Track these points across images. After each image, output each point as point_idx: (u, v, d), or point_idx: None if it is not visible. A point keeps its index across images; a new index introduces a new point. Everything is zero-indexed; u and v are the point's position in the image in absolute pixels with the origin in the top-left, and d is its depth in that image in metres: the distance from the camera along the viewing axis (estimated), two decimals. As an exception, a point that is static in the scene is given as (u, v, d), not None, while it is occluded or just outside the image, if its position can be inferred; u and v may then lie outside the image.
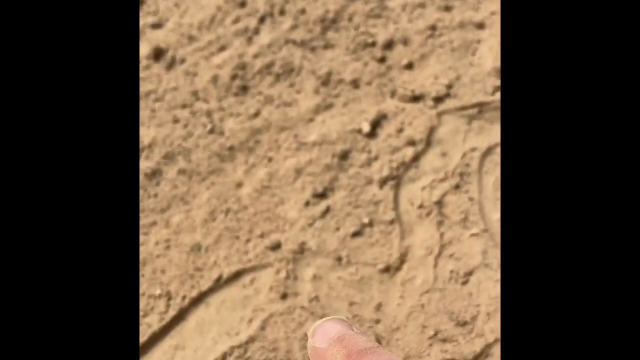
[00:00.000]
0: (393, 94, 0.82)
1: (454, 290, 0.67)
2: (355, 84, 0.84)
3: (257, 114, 0.82)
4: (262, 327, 0.66)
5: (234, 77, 0.84)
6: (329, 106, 0.82)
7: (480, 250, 0.68)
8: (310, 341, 0.31)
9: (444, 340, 0.64)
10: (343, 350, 0.28)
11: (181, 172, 0.78)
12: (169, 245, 0.72)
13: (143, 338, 0.66)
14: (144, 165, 0.78)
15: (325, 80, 0.84)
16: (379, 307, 0.67)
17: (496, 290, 0.66)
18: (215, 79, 0.84)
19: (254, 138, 0.80)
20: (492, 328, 0.63)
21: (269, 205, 0.75)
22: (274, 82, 0.84)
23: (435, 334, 0.64)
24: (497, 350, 0.62)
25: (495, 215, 0.71)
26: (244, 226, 0.73)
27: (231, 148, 0.79)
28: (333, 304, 0.67)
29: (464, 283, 0.67)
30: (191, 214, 0.75)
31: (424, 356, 0.63)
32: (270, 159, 0.78)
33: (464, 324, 0.64)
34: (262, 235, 0.72)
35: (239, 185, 0.76)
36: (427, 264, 0.69)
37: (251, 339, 0.65)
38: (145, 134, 0.81)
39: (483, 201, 0.72)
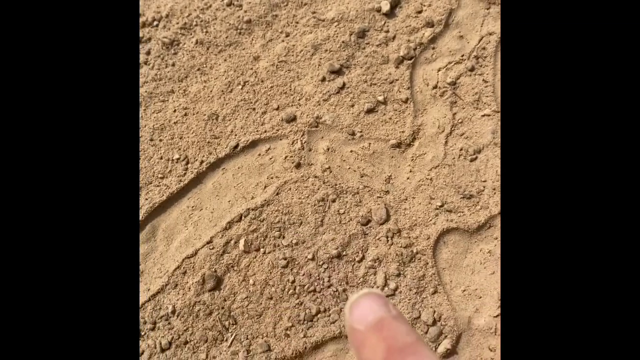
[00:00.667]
0: (414, -25, 0.81)
1: (463, 166, 0.69)
2: (375, -37, 0.82)
3: (275, -12, 0.81)
4: (277, 193, 0.69)
5: (252, -51, 0.82)
6: (348, -16, 0.81)
7: (490, 130, 0.70)
8: (348, 318, 0.31)
9: (450, 211, 0.67)
10: (383, 344, 0.29)
11: (199, 43, 0.78)
12: (186, 113, 0.74)
13: (161, 198, 0.70)
14: (162, 34, 0.78)
15: (346, -43, 0.82)
16: (388, 179, 0.69)
17: (503, 167, 0.68)
18: (233, -49, 0.82)
19: (272, 12, 0.79)
20: (496, 202, 0.67)
21: (286, 79, 0.75)
22: (293, -44, 0.83)
23: (442, 205, 0.67)
24: (499, 221, 0.66)
25: (507, 97, 0.73)
26: (261, 99, 0.74)
27: (249, 21, 0.79)
28: (345, 175, 0.70)
29: (473, 160, 0.69)
30: (209, 84, 0.75)
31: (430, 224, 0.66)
32: (287, 34, 0.78)
33: (470, 197, 0.67)
34: (278, 108, 0.74)
35: (256, 58, 0.77)
36: (438, 141, 0.71)
37: (266, 203, 0.68)
38: (163, 4, 0.80)
39: (496, 84, 0.73)
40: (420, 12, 0.78)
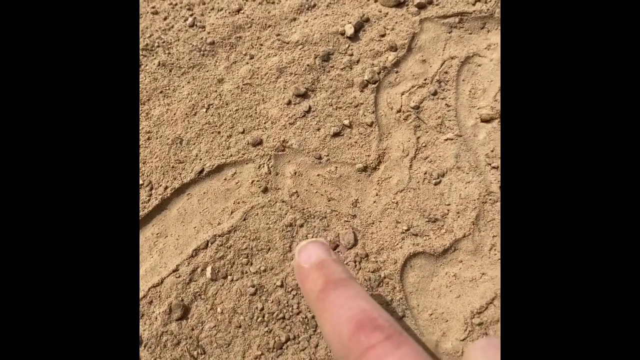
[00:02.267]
0: (376, -2, 0.82)
1: (427, 190, 0.71)
2: (339, -15, 0.83)
3: (239, 10, 0.80)
4: (244, 218, 0.68)
5: (215, -31, 0.82)
6: (312, 7, 0.81)
7: (453, 154, 0.72)
8: (297, 259, 0.42)
9: (416, 235, 0.68)
10: (322, 278, 0.38)
11: (161, 65, 0.76)
12: (149, 137, 0.73)
13: (125, 225, 0.68)
14: (122, 55, 0.76)
15: (310, -20, 0.82)
16: (355, 203, 0.70)
17: (466, 191, 0.70)
18: (195, -29, 0.81)
19: (235, 34, 0.79)
20: (460, 225, 0.68)
21: (251, 102, 0.75)
22: (257, -23, 0.82)
23: (408, 229, 0.68)
24: (464, 245, 0.67)
25: (469, 121, 0.74)
26: (226, 122, 0.74)
27: (212, 43, 0.78)
28: (312, 199, 0.70)
29: (437, 184, 0.71)
30: (172, 107, 0.74)
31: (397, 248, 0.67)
32: (252, 57, 0.78)
33: (434, 220, 0.69)
34: (243, 132, 0.73)
35: (220, 81, 0.76)
36: (402, 165, 0.72)
37: (233, 229, 0.68)
38: (123, 24, 0.78)
39: (459, 108, 0.75)
40: (383, 35, 0.79)
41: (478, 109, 0.75)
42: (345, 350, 0.31)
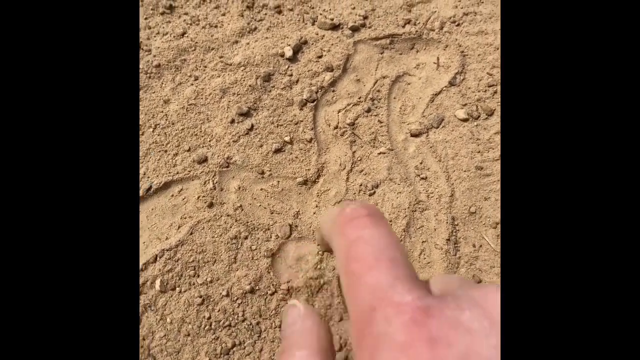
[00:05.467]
0: (314, 21, 0.88)
1: (363, 200, 0.76)
2: (278, 9, 0.88)
3: (183, 34, 0.84)
4: (191, 232, 0.72)
5: (159, -5, 0.86)
6: (253, 30, 0.86)
7: (386, 166, 0.78)
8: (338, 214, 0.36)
9: (352, 243, 0.73)
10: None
11: (108, 87, 0.80)
12: (98, 157, 0.76)
13: (76, 243, 0.71)
14: (70, 79, 0.79)
15: (250, 4, 0.87)
16: (297, 215, 0.75)
17: (398, 200, 0.76)
18: (140, -4, 0.85)
19: (180, 57, 0.83)
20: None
21: (196, 121, 0.79)
22: (200, 3, 0.87)
23: (345, 237, 0.74)
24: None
25: (400, 136, 0.81)
26: (172, 141, 0.78)
27: (158, 66, 0.82)
28: (256, 213, 0.74)
29: (371, 194, 0.76)
30: (120, 128, 0.78)
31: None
32: (196, 78, 0.82)
33: (369, 229, 0.74)
34: (189, 150, 0.77)
35: (167, 101, 0.80)
36: (340, 178, 0.77)
37: (180, 243, 0.72)
38: (69, 48, 0.81)
39: (390, 124, 0.81)
40: (320, 57, 0.85)
41: (408, 124, 0.81)
42: (331, 224, 0.34)
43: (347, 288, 0.30)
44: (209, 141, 0.78)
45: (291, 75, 0.83)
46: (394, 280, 0.28)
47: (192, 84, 0.81)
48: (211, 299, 0.69)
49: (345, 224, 0.32)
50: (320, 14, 0.88)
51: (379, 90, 0.84)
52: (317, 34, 0.87)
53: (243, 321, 0.68)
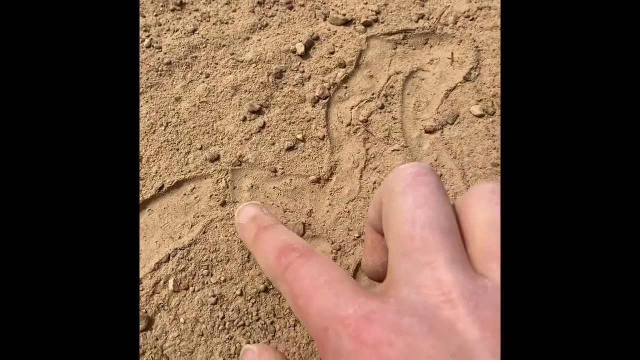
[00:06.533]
0: (325, 16, 0.87)
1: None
2: (289, 5, 0.87)
3: (194, 31, 0.84)
4: (204, 231, 0.72)
5: (169, -9, 0.85)
6: (264, 26, 0.85)
7: (400, 163, 0.77)
8: (237, 219, 0.55)
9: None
10: (256, 226, 0.49)
11: (119, 85, 0.79)
12: (110, 156, 0.75)
13: (89, 242, 0.70)
14: (81, 77, 0.79)
15: (261, 0, 0.86)
16: (310, 213, 0.74)
17: (412, 198, 0.75)
18: (150, -7, 0.84)
19: (191, 54, 0.82)
20: (407, 230, 0.73)
21: (208, 119, 0.78)
22: (210, -1, 0.86)
23: (359, 236, 0.73)
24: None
25: (414, 133, 0.80)
26: (184, 139, 0.77)
27: (169, 63, 0.81)
28: (269, 211, 0.74)
29: (385, 192, 0.75)
30: (131, 127, 0.77)
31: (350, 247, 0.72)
32: (208, 75, 0.81)
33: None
34: (201, 148, 0.77)
35: (178, 99, 0.79)
36: (353, 176, 0.77)
37: (193, 242, 0.71)
38: (80, 46, 0.80)
39: (404, 120, 0.80)
40: (332, 53, 0.84)
41: (422, 121, 0.80)
42: (272, 273, 0.40)
43: (303, 323, 0.35)
44: (221, 139, 0.77)
45: (303, 71, 0.82)
46: (335, 299, 0.32)
47: (203, 82, 0.81)
48: (225, 299, 0.69)
49: (283, 272, 0.38)
50: (332, 9, 0.87)
51: (392, 87, 0.83)
52: (329, 30, 0.86)
53: (257, 320, 0.68)
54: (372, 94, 0.82)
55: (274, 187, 0.75)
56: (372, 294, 0.34)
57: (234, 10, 0.86)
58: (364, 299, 0.32)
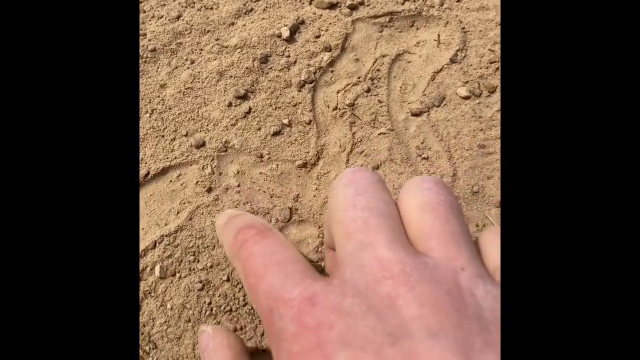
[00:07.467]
0: (311, 0, 0.86)
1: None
2: (274, -11, 0.86)
3: (179, 17, 0.83)
4: (190, 218, 0.72)
5: (153, -23, 0.84)
6: (249, 11, 0.85)
7: (386, 147, 0.77)
8: (216, 223, 0.52)
9: (354, 225, 0.72)
10: (227, 217, 0.48)
11: (103, 72, 0.79)
12: (95, 144, 0.75)
13: (75, 230, 0.70)
14: (64, 65, 0.78)
15: (246, -15, 0.86)
16: (296, 198, 0.74)
17: (399, 181, 0.75)
18: (133, -21, 0.83)
19: (176, 40, 0.82)
20: (394, 213, 0.73)
21: (193, 106, 0.78)
22: (194, -16, 0.85)
23: (346, 220, 0.73)
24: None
25: (401, 116, 0.79)
26: (169, 126, 0.77)
27: (154, 50, 0.81)
28: (255, 197, 0.74)
29: (372, 176, 0.75)
30: (116, 114, 0.77)
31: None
32: (193, 61, 0.81)
33: (371, 210, 0.73)
34: (187, 134, 0.76)
35: (163, 86, 0.79)
36: (340, 160, 0.76)
37: (180, 228, 0.71)
38: (63, 34, 0.80)
39: (391, 104, 0.80)
40: (318, 37, 0.83)
41: (408, 103, 0.80)
42: (230, 250, 0.41)
43: (252, 302, 0.35)
44: (207, 125, 0.77)
45: (289, 56, 0.82)
46: (283, 279, 0.32)
47: (188, 68, 0.80)
48: (212, 284, 0.69)
49: (238, 249, 0.38)
50: (318, -7, 0.86)
51: (378, 70, 0.82)
52: (315, 14, 0.85)
53: (244, 306, 0.68)
54: (359, 78, 0.81)
55: (260, 173, 0.75)
56: (320, 276, 0.34)
57: (219, -4, 0.85)
58: (310, 281, 0.32)
